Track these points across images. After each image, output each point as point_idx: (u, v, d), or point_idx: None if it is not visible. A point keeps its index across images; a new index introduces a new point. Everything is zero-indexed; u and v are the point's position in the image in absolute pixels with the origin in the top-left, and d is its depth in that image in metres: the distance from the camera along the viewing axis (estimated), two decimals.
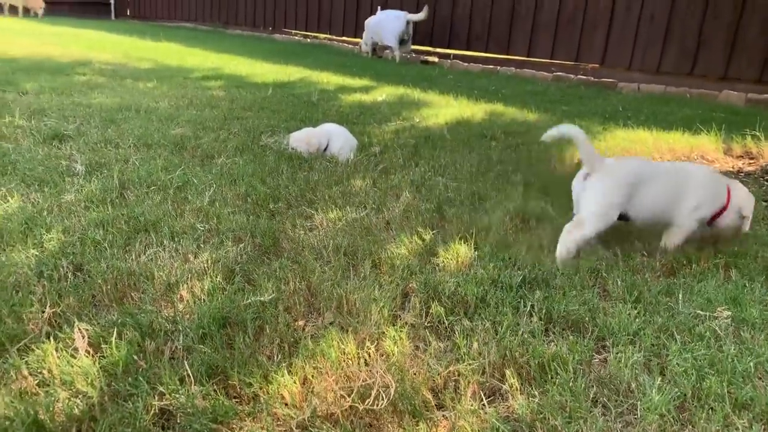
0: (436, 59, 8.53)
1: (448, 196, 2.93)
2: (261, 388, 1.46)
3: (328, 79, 6.43)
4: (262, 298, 1.81)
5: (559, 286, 1.96)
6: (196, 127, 3.94)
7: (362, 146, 3.72)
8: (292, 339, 1.66)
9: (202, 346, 1.60)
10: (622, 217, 2.26)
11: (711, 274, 2.13)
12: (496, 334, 1.68)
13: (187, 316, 1.73)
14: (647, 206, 2.23)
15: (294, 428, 1.36)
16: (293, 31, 10.99)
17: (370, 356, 1.59)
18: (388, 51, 8.62)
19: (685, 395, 1.44)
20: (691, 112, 5.33)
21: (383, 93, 5.69)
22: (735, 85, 6.29)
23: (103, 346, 1.58)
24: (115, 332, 1.61)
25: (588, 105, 5.63)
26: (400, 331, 1.69)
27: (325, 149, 3.56)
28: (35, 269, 1.92)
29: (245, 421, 1.37)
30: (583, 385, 1.47)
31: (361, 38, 9.02)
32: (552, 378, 1.51)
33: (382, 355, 1.60)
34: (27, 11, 13.64)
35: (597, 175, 2.22)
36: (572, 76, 7.28)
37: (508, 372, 1.53)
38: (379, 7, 8.86)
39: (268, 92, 5.31)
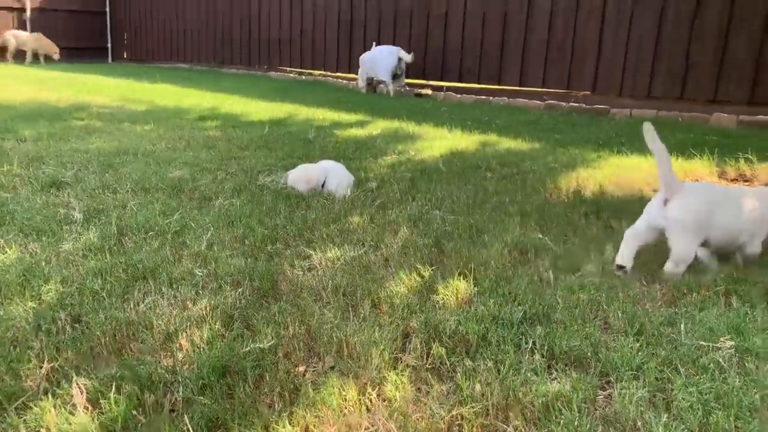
0: (429, 92, 8.67)
1: (445, 229, 2.94)
2: None
3: (324, 115, 6.52)
4: (261, 345, 1.80)
5: (560, 320, 1.95)
6: (194, 168, 3.97)
7: (359, 182, 3.74)
8: (292, 386, 1.64)
9: (202, 398, 1.58)
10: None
11: (712, 302, 2.13)
12: (499, 374, 1.66)
13: (187, 366, 1.71)
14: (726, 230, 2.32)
15: None
16: (288, 69, 11.19)
17: (371, 402, 1.57)
18: (382, 85, 8.77)
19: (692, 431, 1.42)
20: (683, 136, 5.39)
21: (378, 127, 5.76)
22: (726, 108, 6.37)
23: (101, 401, 1.56)
24: (113, 387, 1.59)
25: (581, 132, 5.70)
26: (402, 374, 1.67)
27: (323, 186, 3.58)
28: (33, 323, 1.91)
29: None
30: (588, 425, 1.45)
31: (356, 74, 9.18)
32: (556, 418, 1.49)
33: (384, 401, 1.58)
34: (48, 58, 13.93)
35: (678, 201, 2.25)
36: (564, 104, 7.39)
37: (511, 413, 1.51)
38: (374, 43, 9.05)
39: (265, 130, 5.37)
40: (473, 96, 8.21)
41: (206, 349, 1.79)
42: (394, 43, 8.85)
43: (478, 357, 1.75)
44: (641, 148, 4.76)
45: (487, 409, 1.53)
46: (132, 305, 2.06)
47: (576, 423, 1.45)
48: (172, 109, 6.87)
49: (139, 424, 1.49)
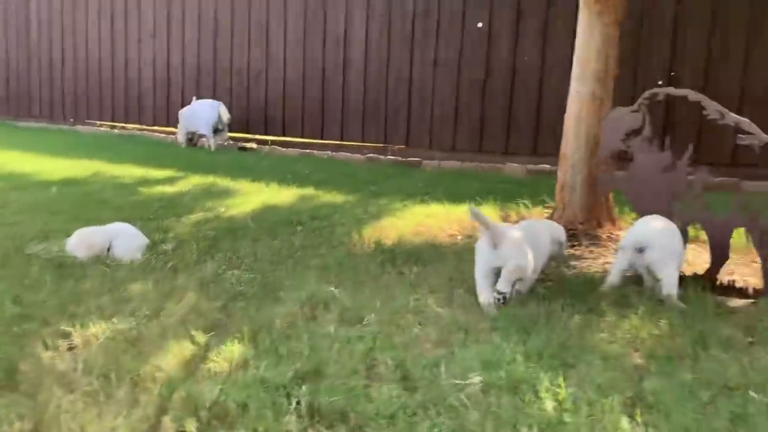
0: (254, 146, 8.59)
1: (239, 290, 2.84)
2: None
3: (130, 171, 6.06)
4: None
5: (332, 374, 1.94)
6: None
7: (153, 244, 3.49)
8: None
9: None
10: None
11: (479, 338, 2.30)
12: None
13: None
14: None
15: None
16: (98, 122, 10.33)
17: None
18: (204, 140, 8.49)
19: None
20: (480, 185, 5.98)
21: (190, 183, 5.51)
22: (516, 159, 7.26)
23: None
24: None
25: (394, 184, 6.03)
26: None
27: (108, 251, 3.26)
28: None
29: None
30: None
31: (175, 127, 8.79)
32: None
33: None
34: None
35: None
36: (383, 156, 7.82)
37: None
38: (194, 97, 8.78)
39: (52, 191, 4.81)
40: (299, 150, 8.32)
41: None
42: (214, 97, 8.69)
43: (237, 426, 1.65)
44: (442, 197, 5.19)
45: None
46: None
47: None
48: None
49: None
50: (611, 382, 1.91)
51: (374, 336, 2.26)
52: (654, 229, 2.90)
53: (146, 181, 5.59)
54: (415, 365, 2.00)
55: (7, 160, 6.53)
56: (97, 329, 2.26)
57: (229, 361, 2.03)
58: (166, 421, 1.67)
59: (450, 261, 3.37)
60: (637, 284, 2.95)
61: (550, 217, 4.07)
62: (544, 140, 7.20)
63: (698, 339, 2.32)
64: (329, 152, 8.12)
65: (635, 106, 3.39)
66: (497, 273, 2.65)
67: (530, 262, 2.70)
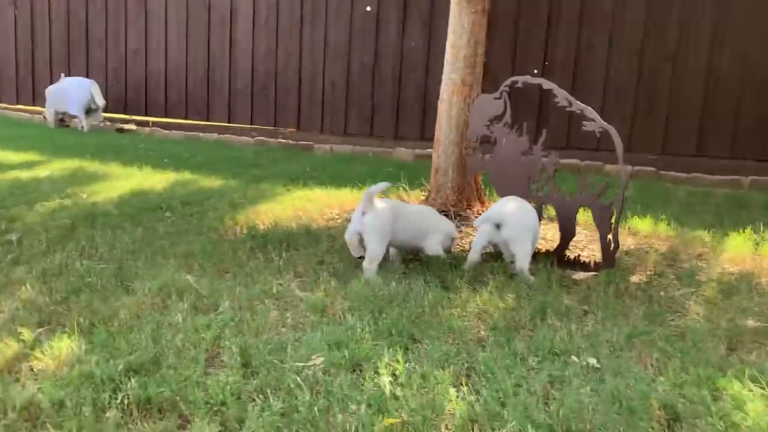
0: (134, 127, 8.05)
1: (87, 281, 2.64)
2: None
3: None
4: None
5: (169, 365, 1.86)
6: None
7: None
8: None
9: None
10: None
11: (334, 320, 2.32)
12: None
13: None
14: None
15: None
16: None
17: None
18: (76, 120, 7.81)
19: None
20: (367, 169, 6.03)
21: (51, 168, 5.05)
22: (405, 143, 7.40)
23: None
24: None
25: (279, 167, 5.92)
26: None
27: None
28: None
29: None
30: None
31: (42, 106, 8.00)
32: None
33: None
34: None
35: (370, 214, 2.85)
36: (273, 140, 7.64)
37: None
38: (62, 74, 8.02)
39: None
40: (183, 132, 7.91)
41: None
42: (88, 75, 8.01)
43: (48, 426, 1.53)
44: (326, 181, 5.17)
45: None
46: None
47: None
48: None
49: None
50: (448, 355, 2.00)
51: (225, 323, 2.20)
52: (509, 209, 3.08)
53: None
54: (260, 351, 1.98)
55: None
56: None
57: (55, 358, 1.88)
58: None
59: (323, 245, 3.36)
60: (495, 260, 3.12)
61: (426, 200, 4.20)
62: (430, 125, 7.39)
63: (539, 310, 2.50)
64: (216, 134, 7.80)
65: (497, 93, 3.55)
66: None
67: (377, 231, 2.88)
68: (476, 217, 4.04)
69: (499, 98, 3.54)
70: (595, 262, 3.19)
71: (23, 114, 8.65)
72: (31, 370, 1.83)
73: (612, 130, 3.08)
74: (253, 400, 1.70)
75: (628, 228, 3.90)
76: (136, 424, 1.58)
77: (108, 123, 8.06)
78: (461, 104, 4.06)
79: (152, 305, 2.39)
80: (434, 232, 3.11)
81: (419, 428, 1.59)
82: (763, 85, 6.14)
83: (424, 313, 2.41)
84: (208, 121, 8.04)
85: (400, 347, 2.05)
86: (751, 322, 2.47)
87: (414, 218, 3.10)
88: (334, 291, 2.63)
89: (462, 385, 1.84)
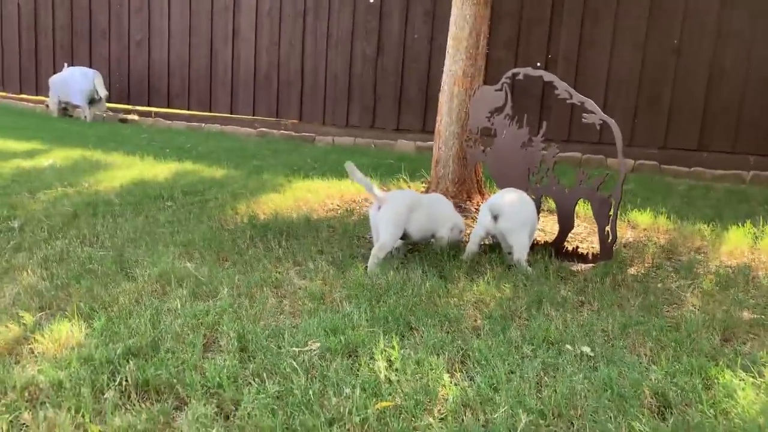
0: (136, 117, 8.07)
1: (88, 268, 2.67)
2: None
3: None
4: None
5: (167, 349, 1.89)
6: None
7: None
8: None
9: None
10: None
11: (331, 307, 2.34)
12: (74, 419, 1.51)
13: None
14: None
15: None
16: None
17: None
18: (79, 110, 7.84)
19: None
20: (368, 160, 6.04)
21: (54, 157, 5.07)
22: (407, 135, 7.41)
23: None
24: None
25: (280, 159, 5.93)
26: None
27: None
28: None
29: None
30: None
31: (45, 96, 8.02)
32: None
33: None
34: None
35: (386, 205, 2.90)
36: (275, 131, 7.66)
37: None
38: (65, 64, 8.04)
39: None
40: (185, 123, 7.93)
41: None
42: (91, 65, 8.02)
43: (48, 406, 1.56)
44: (327, 173, 5.18)
45: None
46: None
47: None
48: None
49: None
50: (443, 342, 2.02)
51: (223, 310, 2.22)
52: (507, 200, 3.09)
53: (1, 154, 5.07)
54: (257, 336, 2.00)
55: None
56: None
57: (56, 341, 1.91)
58: None
59: (322, 235, 3.38)
60: (493, 251, 3.14)
61: (426, 192, 4.21)
62: (432, 117, 7.38)
63: (535, 300, 2.52)
64: (218, 125, 7.82)
65: (498, 85, 3.55)
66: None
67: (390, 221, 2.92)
68: (476, 209, 4.06)
69: (500, 90, 3.54)
70: (593, 253, 3.20)
71: (26, 103, 8.68)
72: (32, 352, 1.86)
73: (612, 123, 3.08)
74: (249, 383, 1.73)
75: (628, 221, 3.90)
76: (134, 405, 1.61)
77: (111, 113, 8.08)
78: (462, 96, 4.06)
79: (152, 291, 2.42)
80: (446, 220, 3.15)
81: (412, 412, 1.61)
82: (766, 80, 6.11)
83: (421, 301, 2.43)
84: (210, 111, 8.05)
85: (396, 334, 2.07)
86: (746, 314, 2.48)
87: (428, 208, 3.11)
88: (333, 279, 2.65)
89: (456, 371, 1.86)
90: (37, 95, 8.58)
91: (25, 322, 2.03)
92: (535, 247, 3.24)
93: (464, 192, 4.14)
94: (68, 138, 6.13)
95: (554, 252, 3.18)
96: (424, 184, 4.53)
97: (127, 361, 1.78)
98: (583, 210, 3.85)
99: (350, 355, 1.92)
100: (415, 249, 3.22)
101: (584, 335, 2.20)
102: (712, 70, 6.23)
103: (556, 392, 1.73)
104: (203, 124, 7.84)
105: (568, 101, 3.27)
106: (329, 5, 7.47)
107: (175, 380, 1.69)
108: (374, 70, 7.47)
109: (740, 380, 1.86)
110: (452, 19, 4.14)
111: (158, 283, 2.51)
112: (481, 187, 4.24)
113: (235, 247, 3.10)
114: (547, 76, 3.37)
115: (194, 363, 1.79)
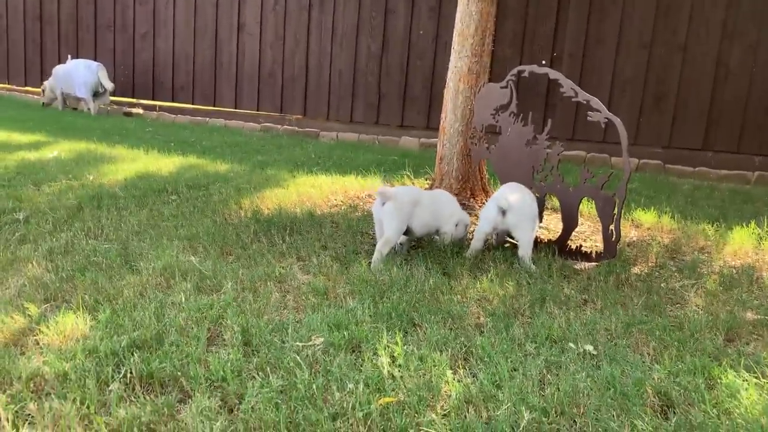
0: (141, 111, 8.08)
1: (93, 260, 2.68)
2: None
3: None
4: None
5: (172, 342, 1.90)
6: None
7: (2, 212, 3.20)
8: None
9: None
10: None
11: (335, 303, 2.35)
12: (78, 410, 1.52)
13: None
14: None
15: None
16: None
17: None
18: (83, 103, 7.85)
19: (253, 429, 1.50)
20: (372, 156, 6.04)
21: (58, 149, 5.08)
22: (411, 132, 7.40)
23: None
24: None
25: (284, 154, 5.94)
26: None
27: None
28: None
29: None
30: None
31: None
32: None
33: None
34: None
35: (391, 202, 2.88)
36: (279, 126, 7.66)
37: None
38: (69, 56, 8.04)
39: None
40: (189, 117, 7.94)
41: None
42: (96, 58, 8.03)
43: (53, 397, 1.57)
44: (331, 168, 5.19)
45: None
46: None
47: None
48: None
49: None
50: (447, 338, 2.03)
51: (227, 304, 2.23)
52: (514, 195, 3.09)
53: (6, 146, 5.08)
54: (261, 330, 2.01)
55: None
56: None
57: (61, 333, 1.92)
58: None
59: (326, 230, 3.38)
60: (497, 249, 3.14)
61: (429, 189, 4.21)
62: (436, 114, 7.38)
63: (539, 298, 2.52)
64: (222, 120, 7.82)
65: (503, 83, 3.54)
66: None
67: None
68: (480, 206, 4.06)
69: (506, 87, 3.54)
70: (596, 252, 3.19)
71: (31, 96, 8.69)
72: (37, 343, 1.87)
73: (617, 121, 3.07)
74: (253, 377, 1.73)
75: (632, 220, 3.90)
76: (139, 397, 1.62)
77: (115, 106, 8.09)
78: (467, 93, 4.05)
79: (156, 285, 2.43)
80: (451, 216, 3.15)
81: (415, 407, 1.62)
82: None
83: (424, 298, 2.43)
84: (214, 106, 8.05)
85: (399, 330, 2.08)
86: (750, 315, 2.48)
87: (432, 204, 3.10)
88: (336, 275, 2.65)
89: (459, 367, 1.86)
90: (41, 88, 8.59)
91: (30, 313, 2.04)
92: (538, 245, 3.24)
93: (468, 189, 4.14)
94: (73, 131, 6.14)
95: (558, 250, 3.18)
96: (428, 181, 4.53)
97: (132, 354, 1.79)
98: (587, 208, 3.84)
99: (353, 351, 1.93)
100: (418, 245, 3.23)
101: (587, 334, 2.20)
102: (717, 70, 6.20)
103: (558, 390, 1.74)
104: (207, 119, 7.85)
105: (573, 99, 3.27)
106: (335, 0, 7.46)
107: (179, 373, 1.69)
108: (379, 67, 7.46)
109: (743, 380, 1.86)
110: (458, 15, 4.13)
111: (162, 277, 2.51)
112: (485, 184, 4.24)
113: (239, 242, 3.11)
114: (553, 74, 3.36)
115: (198, 356, 1.80)
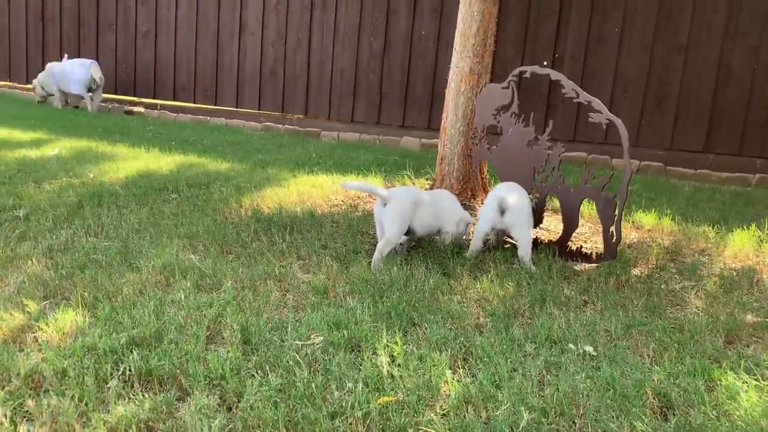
0: (142, 109, 8.08)
1: (93, 258, 2.68)
2: None
3: None
4: None
5: (171, 340, 1.90)
6: None
7: (2, 209, 3.20)
8: None
9: None
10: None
11: (335, 302, 2.34)
12: (77, 407, 1.52)
13: None
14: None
15: None
16: None
17: None
18: (84, 101, 7.86)
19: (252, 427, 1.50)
20: (372, 156, 6.04)
21: (59, 147, 5.08)
22: (412, 132, 7.40)
23: None
24: None
25: (285, 153, 5.93)
26: None
27: None
28: None
29: None
30: None
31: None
32: None
33: None
34: None
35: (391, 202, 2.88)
36: (281, 126, 7.65)
37: None
38: (66, 55, 8.05)
39: None
40: (191, 115, 7.94)
41: None
42: (98, 57, 8.04)
43: (51, 394, 1.57)
44: (331, 168, 5.18)
45: None
46: None
47: None
48: None
49: None
50: (446, 338, 2.02)
51: (227, 302, 2.23)
52: (513, 195, 3.09)
53: (7, 143, 5.08)
54: (260, 329, 2.00)
55: None
56: None
57: (60, 330, 1.91)
58: None
59: (326, 230, 3.38)
60: (497, 249, 3.14)
61: (430, 189, 4.20)
62: (438, 114, 7.37)
63: (539, 298, 2.52)
64: (224, 119, 7.82)
65: (505, 83, 3.54)
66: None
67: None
68: (481, 206, 4.06)
69: (507, 88, 3.53)
70: (597, 253, 3.19)
71: (33, 94, 8.69)
72: (36, 340, 1.87)
73: (618, 122, 3.07)
74: (253, 375, 1.73)
75: (632, 221, 3.89)
76: (137, 394, 1.62)
77: (116, 105, 8.10)
78: (469, 93, 4.05)
79: (156, 283, 2.43)
80: (452, 216, 3.14)
81: (414, 407, 1.61)
82: None
83: (424, 298, 2.43)
84: (215, 105, 8.05)
85: (399, 329, 2.07)
86: (750, 317, 2.47)
87: (433, 204, 3.09)
88: (336, 274, 2.65)
89: (458, 367, 1.86)
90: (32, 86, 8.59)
91: (29, 310, 2.04)
92: (539, 246, 3.24)
93: (469, 190, 4.13)
94: (74, 128, 6.14)
95: (558, 251, 3.18)
96: (428, 182, 4.53)
97: (131, 351, 1.78)
98: (587, 210, 3.84)
99: (353, 350, 1.92)
100: (418, 246, 3.22)
101: (587, 335, 2.20)
102: (719, 72, 6.20)
103: (558, 391, 1.73)
104: (209, 118, 7.85)
105: (574, 100, 3.26)
106: (336, 0, 7.46)
107: (178, 371, 1.69)
108: (380, 66, 7.45)
109: (743, 382, 1.85)
110: (460, 16, 4.13)
111: (162, 275, 2.51)
112: (486, 185, 4.23)
113: (239, 240, 3.11)
114: (555, 75, 3.36)
115: (197, 354, 1.80)
